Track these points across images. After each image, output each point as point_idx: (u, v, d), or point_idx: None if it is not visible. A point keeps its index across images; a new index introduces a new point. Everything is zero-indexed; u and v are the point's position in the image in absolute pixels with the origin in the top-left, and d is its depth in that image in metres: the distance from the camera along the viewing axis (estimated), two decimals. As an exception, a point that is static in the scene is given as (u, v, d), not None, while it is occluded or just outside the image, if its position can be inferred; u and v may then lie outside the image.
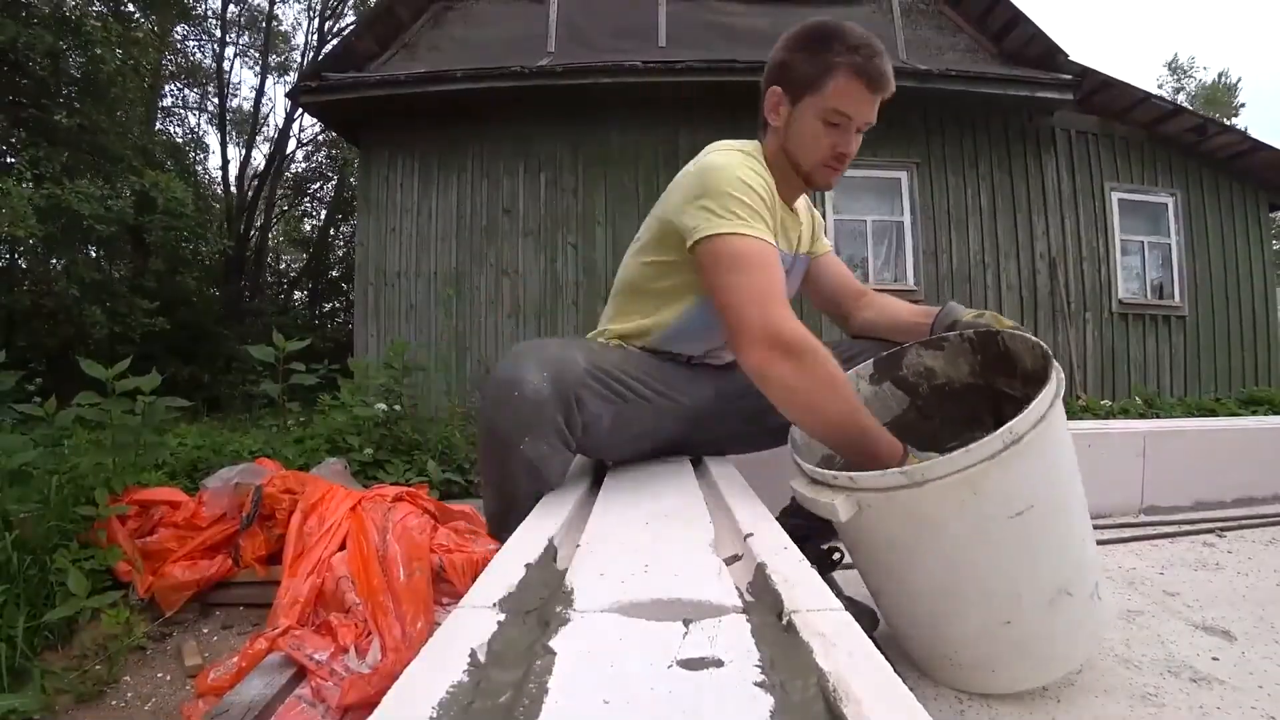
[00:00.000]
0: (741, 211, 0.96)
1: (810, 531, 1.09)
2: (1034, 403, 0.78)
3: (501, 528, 0.97)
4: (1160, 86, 21.80)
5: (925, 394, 1.09)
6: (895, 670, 0.39)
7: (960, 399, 1.07)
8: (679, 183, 1.05)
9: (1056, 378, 0.83)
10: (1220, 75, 23.21)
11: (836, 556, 1.15)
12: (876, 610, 1.03)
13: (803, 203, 1.23)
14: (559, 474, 0.97)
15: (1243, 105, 22.17)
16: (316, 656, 1.54)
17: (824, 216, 5.90)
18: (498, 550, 1.05)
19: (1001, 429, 0.76)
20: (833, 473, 0.85)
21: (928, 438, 1.09)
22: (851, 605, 1.02)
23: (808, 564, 0.59)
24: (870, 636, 0.45)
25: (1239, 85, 22.44)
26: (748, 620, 0.48)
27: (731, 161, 1.01)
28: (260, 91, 18.73)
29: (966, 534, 0.80)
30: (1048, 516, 0.82)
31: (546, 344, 0.97)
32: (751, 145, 1.11)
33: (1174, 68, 23.27)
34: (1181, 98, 21.29)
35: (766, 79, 1.09)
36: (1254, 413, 4.65)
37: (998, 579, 0.84)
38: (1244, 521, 1.85)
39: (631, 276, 1.16)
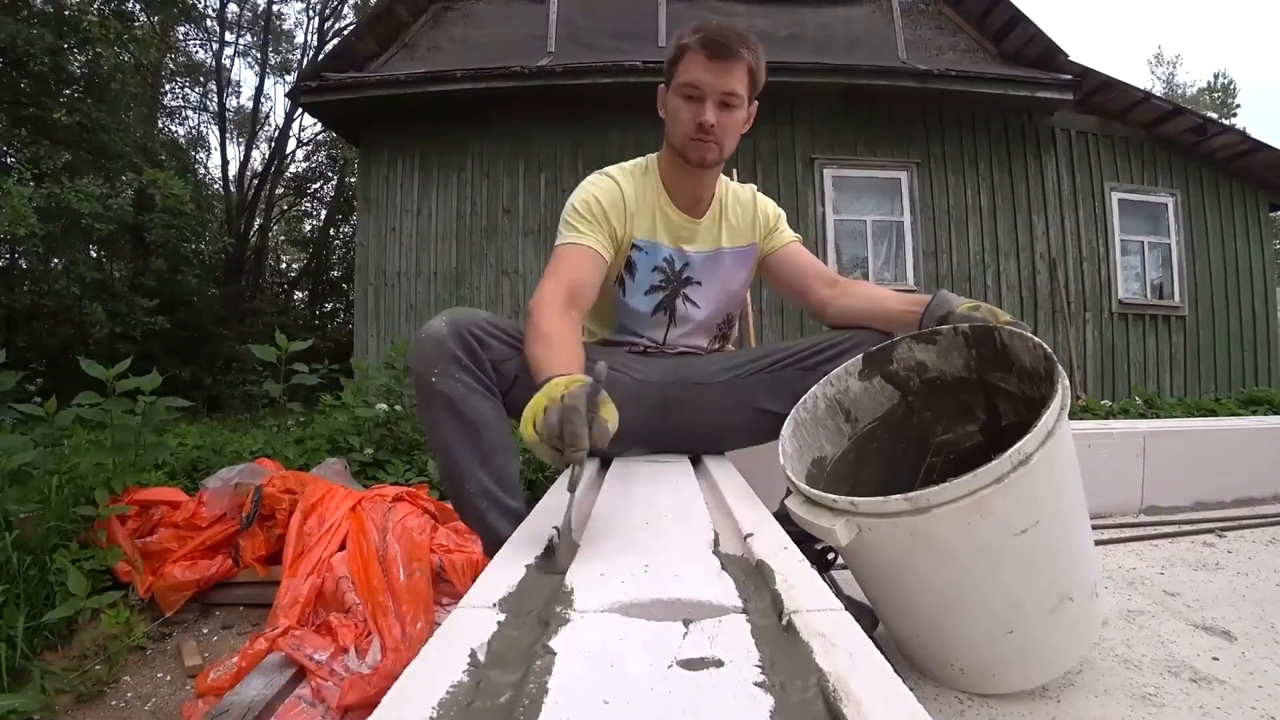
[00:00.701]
0: (565, 228, 1.18)
1: (806, 533, 1.08)
2: (1042, 419, 0.75)
3: (450, 483, 1.06)
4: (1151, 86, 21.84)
5: (916, 388, 1.07)
6: (895, 670, 0.39)
7: (952, 392, 1.05)
8: None
9: (1062, 387, 0.80)
10: (1215, 76, 23.23)
11: (832, 556, 1.16)
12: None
13: (742, 199, 1.31)
14: (484, 416, 1.02)
15: (1239, 106, 22.19)
16: (316, 656, 1.54)
17: (824, 217, 5.93)
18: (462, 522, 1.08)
19: (1010, 450, 0.73)
20: (831, 496, 0.82)
21: (918, 431, 1.09)
22: (852, 606, 1.01)
23: (808, 564, 0.59)
24: (870, 637, 0.45)
25: (1235, 87, 22.45)
26: (748, 620, 0.48)
27: (584, 183, 1.23)
28: (260, 91, 18.77)
29: (972, 555, 0.79)
30: (1052, 529, 0.81)
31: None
32: (630, 163, 1.29)
33: (1160, 63, 23.29)
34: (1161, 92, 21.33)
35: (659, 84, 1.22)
36: (1254, 413, 4.65)
37: (1002, 593, 0.83)
38: (1244, 521, 1.85)
39: None
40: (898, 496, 0.76)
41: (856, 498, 0.79)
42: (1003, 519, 0.76)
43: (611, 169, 1.26)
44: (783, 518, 0.93)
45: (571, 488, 0.72)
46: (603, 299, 1.23)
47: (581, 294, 1.12)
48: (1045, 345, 0.87)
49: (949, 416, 1.07)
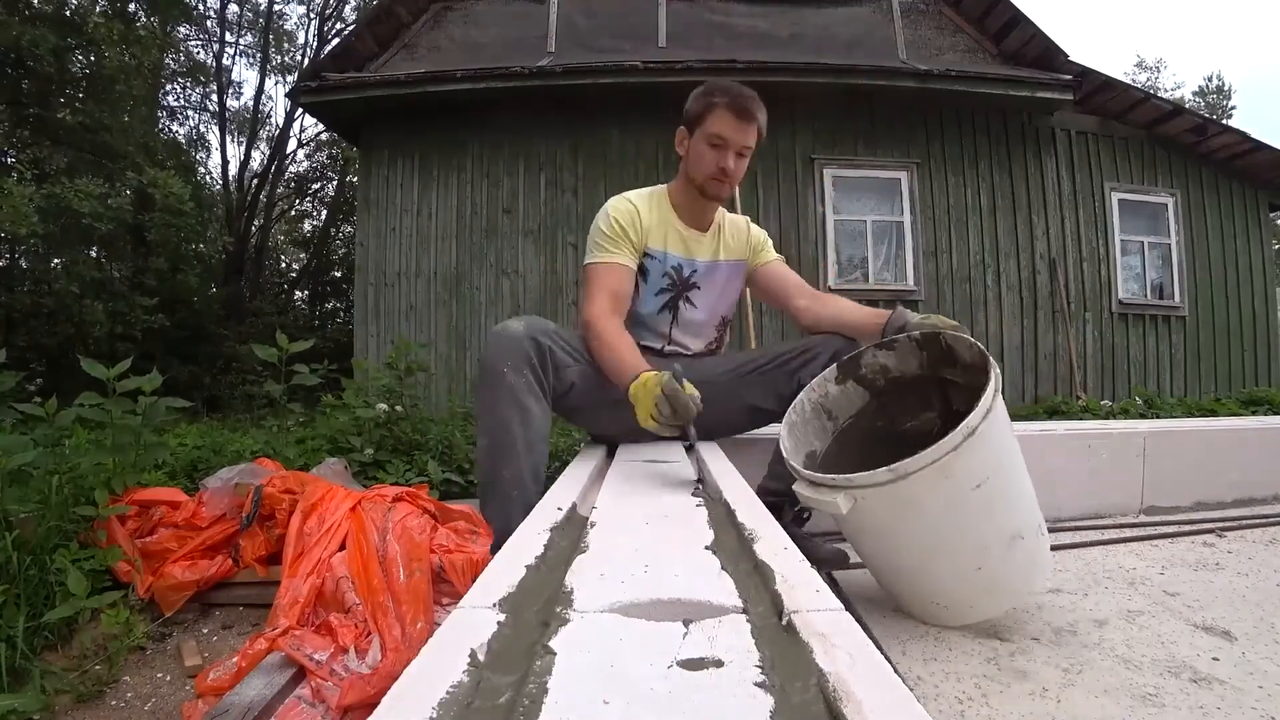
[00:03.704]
0: (593, 247, 1.42)
1: (782, 502, 1.34)
2: (982, 399, 0.98)
3: (490, 463, 1.20)
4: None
5: (883, 387, 1.30)
6: (895, 671, 0.40)
7: (912, 388, 1.28)
8: None
9: (994, 374, 1.03)
10: (1207, 79, 23.21)
11: (805, 515, 1.42)
12: (847, 553, 1.35)
13: (738, 224, 1.57)
14: (535, 412, 1.20)
15: (1234, 108, 22.16)
16: (316, 656, 1.54)
17: (824, 217, 5.93)
18: (483, 505, 1.21)
19: (960, 425, 0.95)
20: (831, 476, 1.03)
21: (887, 423, 1.32)
22: (814, 552, 1.34)
23: (808, 564, 0.59)
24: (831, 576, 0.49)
25: (1229, 89, 22.44)
26: (748, 620, 0.48)
27: (605, 208, 1.44)
28: (260, 91, 18.74)
29: (942, 507, 1.01)
30: (1000, 481, 1.04)
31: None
32: (644, 189, 1.51)
33: (1143, 69, 23.30)
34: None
35: (680, 127, 1.45)
36: (1254, 413, 4.65)
37: (968, 536, 1.05)
38: (1244, 521, 1.85)
39: None
40: (883, 469, 0.97)
41: (851, 474, 1.00)
42: (962, 477, 0.98)
43: (629, 194, 1.49)
44: (762, 490, 1.27)
45: (691, 445, 1.08)
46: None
47: (622, 302, 1.40)
48: (979, 344, 1.11)
49: (912, 408, 1.31)
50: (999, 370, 1.06)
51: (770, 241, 1.62)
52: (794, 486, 1.10)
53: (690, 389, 1.03)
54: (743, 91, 1.37)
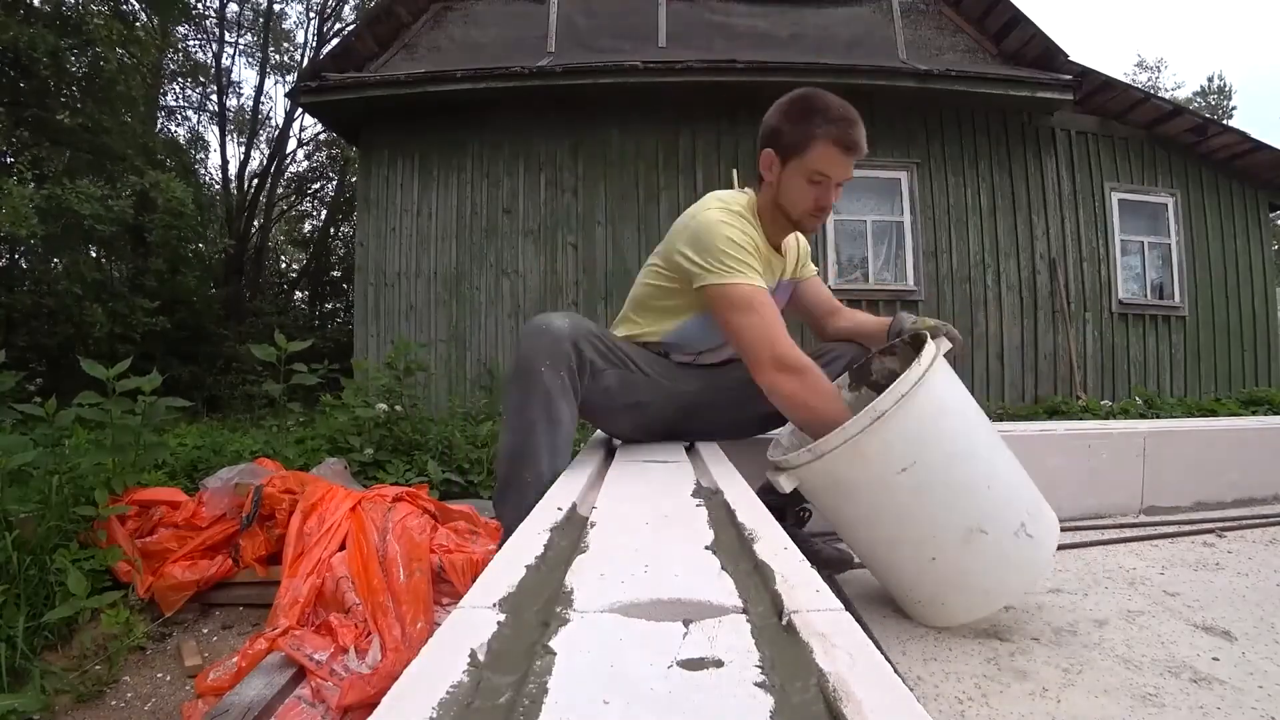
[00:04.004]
0: (734, 264, 1.22)
1: (784, 503, 1.36)
2: (892, 385, 1.00)
3: (513, 462, 1.15)
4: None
5: None
6: (895, 671, 0.40)
7: None
8: (681, 227, 1.31)
9: (924, 354, 1.05)
10: (1209, 79, 23.20)
11: (806, 516, 1.44)
12: (850, 555, 1.36)
13: (791, 235, 1.45)
14: (566, 417, 1.16)
15: (1235, 109, 22.16)
16: (316, 656, 1.54)
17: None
18: (500, 512, 1.20)
19: (866, 408, 0.99)
20: (780, 459, 1.11)
21: None
22: (816, 554, 1.35)
23: (808, 564, 0.59)
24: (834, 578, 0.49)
25: (1230, 89, 22.43)
26: (748, 620, 0.48)
27: (723, 219, 1.26)
28: (260, 90, 18.75)
29: (871, 488, 1.05)
30: (936, 469, 1.03)
31: (570, 312, 1.28)
32: (742, 199, 1.34)
33: (1144, 69, 23.29)
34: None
35: (761, 141, 1.30)
36: (1254, 413, 4.65)
37: (909, 523, 1.06)
38: (1244, 521, 1.85)
39: (639, 293, 1.42)
40: (804, 449, 1.04)
41: (789, 455, 1.07)
42: (881, 459, 1.01)
43: (737, 208, 1.31)
44: (762, 490, 1.20)
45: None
46: (672, 319, 1.36)
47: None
48: (929, 331, 1.15)
49: None
50: (935, 352, 1.07)
51: (810, 252, 1.55)
52: (767, 473, 1.15)
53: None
54: (847, 116, 1.22)
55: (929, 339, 1.11)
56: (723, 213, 1.28)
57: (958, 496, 1.06)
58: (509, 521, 1.17)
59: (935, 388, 1.05)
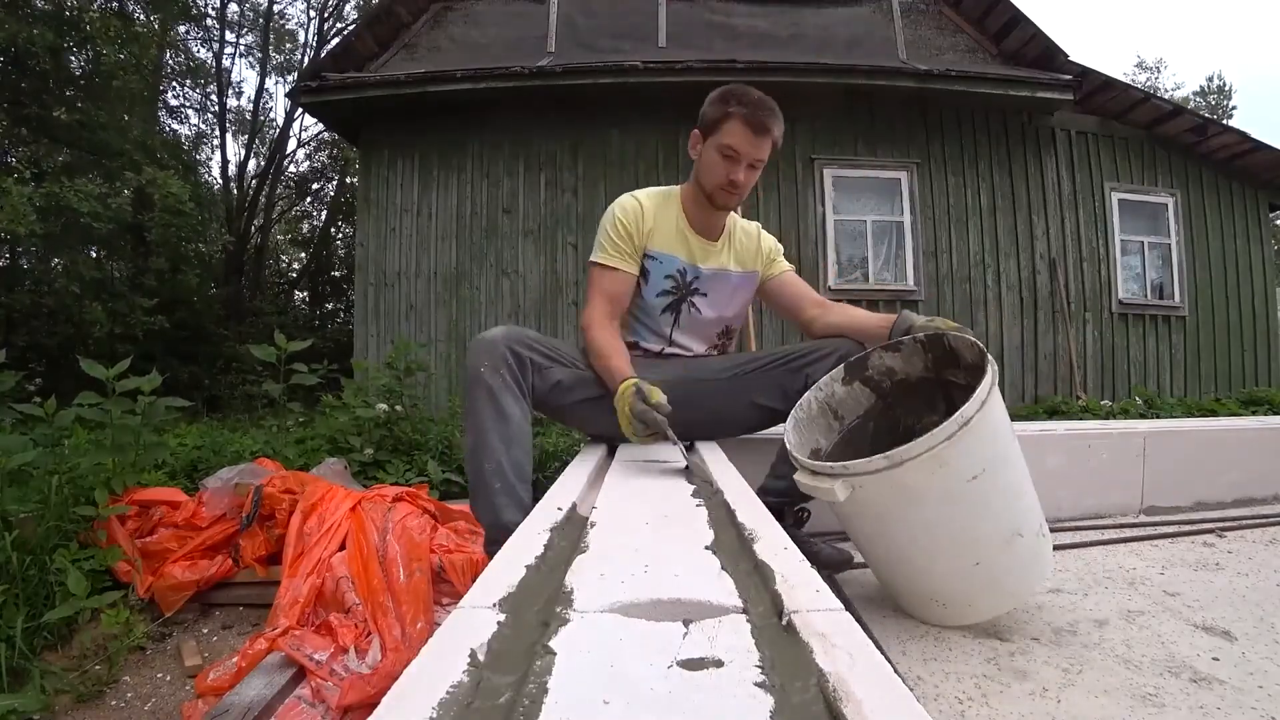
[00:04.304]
0: (603, 243, 1.43)
1: (784, 504, 1.37)
2: (976, 391, 1.00)
3: (473, 460, 1.23)
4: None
5: (888, 389, 1.31)
6: (895, 671, 0.40)
7: (916, 389, 1.30)
8: None
9: (991, 369, 1.05)
10: (1209, 79, 23.19)
11: (805, 516, 1.45)
12: (850, 555, 1.39)
13: (749, 232, 1.57)
14: (513, 412, 1.23)
15: (1235, 109, 22.15)
16: (316, 656, 1.54)
17: (824, 217, 5.93)
18: (474, 490, 1.23)
19: (955, 415, 0.97)
20: (829, 464, 1.05)
21: (891, 423, 1.33)
22: (816, 555, 1.37)
23: (808, 564, 0.59)
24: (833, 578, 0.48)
25: (1230, 89, 22.41)
26: (748, 620, 0.48)
27: (620, 203, 1.45)
28: (261, 90, 18.74)
29: (938, 498, 1.02)
30: (996, 476, 1.05)
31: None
32: (673, 188, 1.51)
33: (1143, 69, 23.29)
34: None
35: (695, 129, 1.43)
36: (1254, 413, 4.65)
37: (965, 529, 1.05)
38: (1244, 521, 1.85)
39: None
40: (878, 456, 0.99)
41: (848, 462, 1.03)
42: (956, 468, 1.00)
43: (639, 192, 1.48)
44: (763, 491, 1.28)
45: (673, 440, 1.11)
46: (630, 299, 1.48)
47: (619, 306, 1.43)
48: (979, 343, 1.13)
49: (916, 410, 1.32)
50: (996, 368, 1.08)
51: (782, 250, 1.62)
52: (795, 476, 1.12)
53: (657, 396, 1.12)
54: (761, 103, 1.35)
55: (988, 357, 1.09)
56: (627, 198, 1.46)
57: (1008, 502, 1.08)
58: (482, 516, 1.24)
59: (997, 397, 1.06)
